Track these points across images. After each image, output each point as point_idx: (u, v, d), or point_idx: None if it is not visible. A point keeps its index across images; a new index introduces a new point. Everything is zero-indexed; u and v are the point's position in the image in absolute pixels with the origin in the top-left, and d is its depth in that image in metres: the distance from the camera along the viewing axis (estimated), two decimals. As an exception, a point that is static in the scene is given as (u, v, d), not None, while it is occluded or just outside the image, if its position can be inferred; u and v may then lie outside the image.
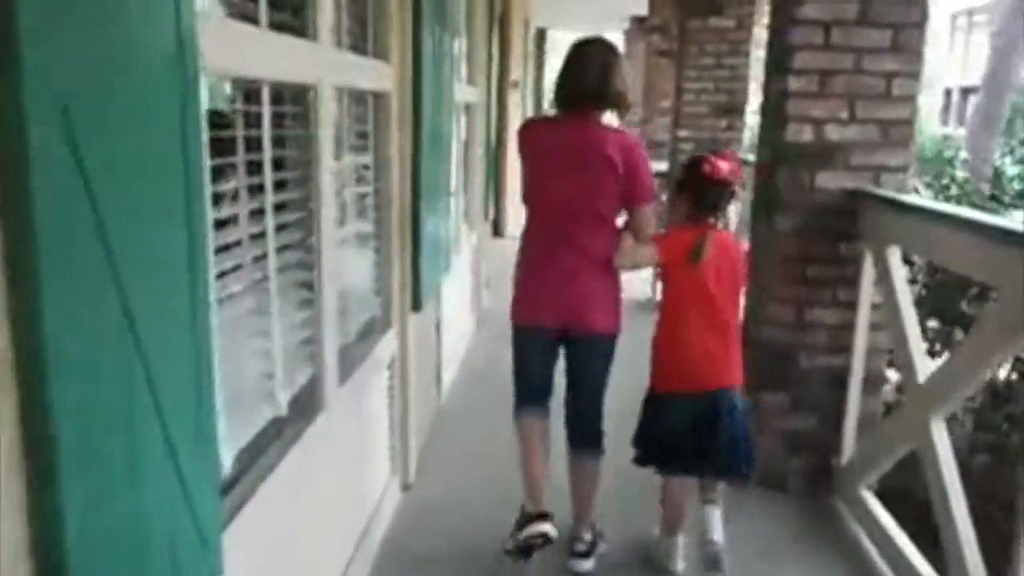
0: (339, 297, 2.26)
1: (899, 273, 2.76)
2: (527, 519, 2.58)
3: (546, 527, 2.54)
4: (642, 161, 2.55)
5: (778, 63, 3.07)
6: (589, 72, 2.53)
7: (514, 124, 9.69)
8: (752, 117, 5.12)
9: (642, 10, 10.13)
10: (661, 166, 8.80)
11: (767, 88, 3.26)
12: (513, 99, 9.51)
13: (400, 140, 2.88)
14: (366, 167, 2.68)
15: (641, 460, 2.64)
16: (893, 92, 2.94)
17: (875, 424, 3.07)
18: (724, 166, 2.50)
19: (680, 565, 2.67)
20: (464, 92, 4.55)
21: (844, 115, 2.96)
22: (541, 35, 13.38)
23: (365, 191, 2.68)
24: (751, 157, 4.02)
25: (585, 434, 2.70)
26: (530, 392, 2.78)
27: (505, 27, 9.17)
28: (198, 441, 1.15)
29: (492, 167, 5.64)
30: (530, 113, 11.67)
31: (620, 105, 2.58)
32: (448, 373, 4.20)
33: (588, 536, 2.72)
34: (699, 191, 2.52)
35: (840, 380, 3.11)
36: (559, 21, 13.16)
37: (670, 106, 8.95)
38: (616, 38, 15.71)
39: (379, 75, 2.69)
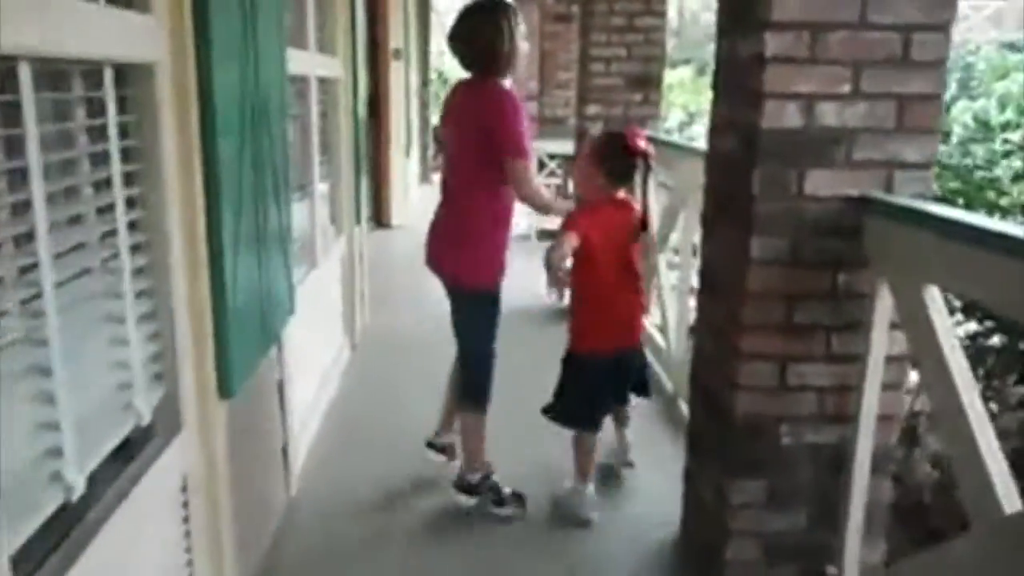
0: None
1: (941, 322, 1.86)
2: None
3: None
4: (504, 113, 2.62)
5: (746, 15, 2.12)
6: (458, 36, 2.72)
7: (397, 100, 8.57)
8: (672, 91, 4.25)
9: (535, -30, 9.13)
10: (562, 147, 7.92)
11: (725, 52, 2.32)
12: (395, 71, 8.39)
13: (180, 138, 1.81)
14: (106, 183, 1.61)
15: (564, 419, 2.88)
16: (912, 55, 2.04)
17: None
18: (642, 142, 2.74)
19: (595, 515, 2.86)
20: (311, 63, 3.46)
21: (845, 88, 2.05)
22: (425, 1, 12.21)
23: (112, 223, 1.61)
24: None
25: (460, 384, 2.98)
26: None
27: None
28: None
29: (363, 153, 4.56)
30: (414, 88, 10.54)
31: (489, 64, 2.67)
32: (303, 443, 3.14)
33: (473, 477, 2.91)
34: (620, 165, 2.74)
35: (836, 461, 2.23)
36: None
37: (571, 79, 8.03)
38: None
39: (129, 34, 1.62)
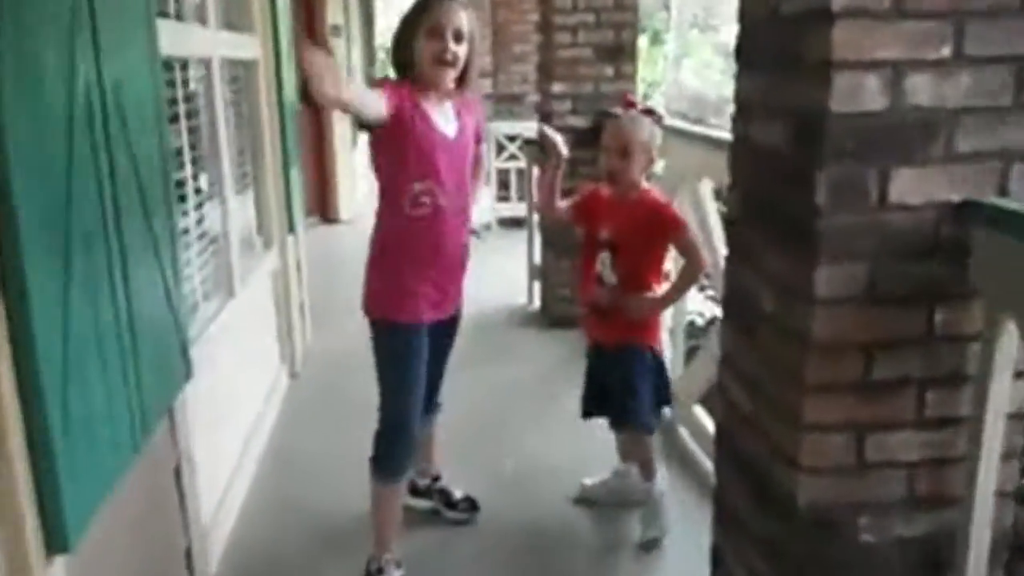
0: None
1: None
2: None
3: None
4: None
5: (796, -50, 1.50)
6: None
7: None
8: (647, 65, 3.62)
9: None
10: (522, 127, 7.26)
11: (760, 8, 1.69)
12: (335, 50, 7.65)
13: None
14: None
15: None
16: (1037, -1, 1.44)
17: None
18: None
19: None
20: (214, 42, 2.77)
21: (944, 52, 1.44)
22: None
23: None
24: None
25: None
26: None
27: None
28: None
29: (294, 147, 3.87)
30: (359, 68, 9.79)
31: (399, 65, 2.34)
32: (218, 535, 2.49)
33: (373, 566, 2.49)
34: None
35: (934, 558, 1.65)
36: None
37: (528, 51, 7.38)
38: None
39: None
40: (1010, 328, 1.47)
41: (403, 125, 2.21)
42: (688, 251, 2.58)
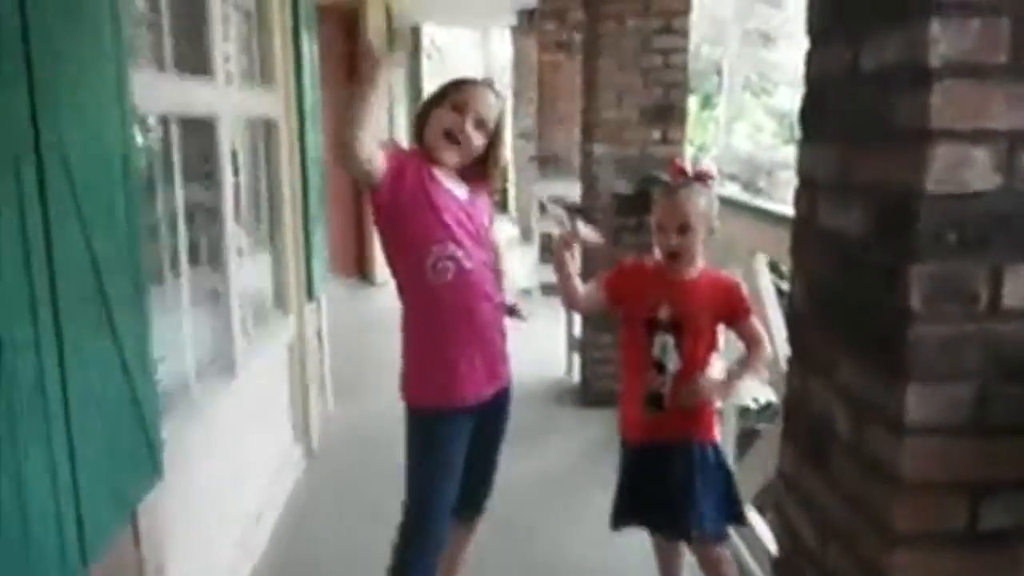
0: None
1: None
2: None
3: None
4: None
5: (880, -6, 1.22)
6: None
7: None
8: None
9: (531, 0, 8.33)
10: (564, 189, 7.02)
11: (831, 64, 1.40)
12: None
13: None
14: None
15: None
16: None
17: None
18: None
19: None
20: (221, 98, 2.55)
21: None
22: (414, 34, 11.42)
23: None
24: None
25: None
26: None
27: (357, 23, 7.24)
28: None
29: (317, 209, 3.66)
30: (403, 130, 9.70)
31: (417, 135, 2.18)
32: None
33: None
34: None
35: None
36: (434, 15, 11.24)
37: (571, 112, 7.18)
38: (504, 36, 13.89)
39: None
40: None
41: (405, 187, 2.01)
42: (756, 338, 2.28)
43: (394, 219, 2.04)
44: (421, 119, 2.14)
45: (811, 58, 1.48)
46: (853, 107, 1.33)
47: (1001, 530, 1.23)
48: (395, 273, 2.13)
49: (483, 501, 2.35)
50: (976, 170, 1.13)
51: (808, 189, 1.51)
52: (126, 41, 1.61)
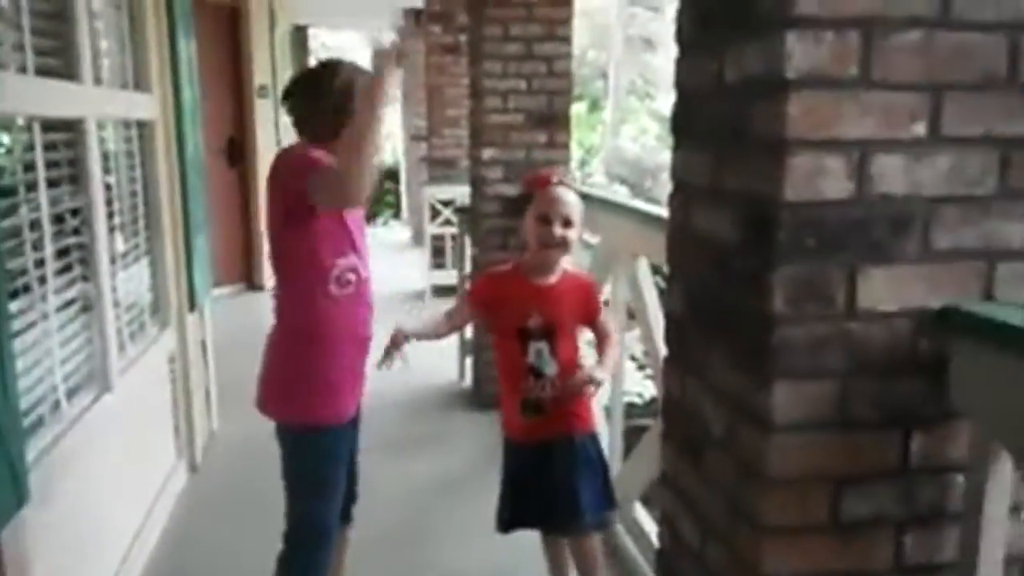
0: None
1: None
2: None
3: None
4: (285, 167, 2.03)
5: (745, 6, 1.27)
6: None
7: (265, 143, 7.51)
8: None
9: (417, 0, 8.30)
10: (455, 192, 7.00)
11: (699, 76, 1.45)
12: (261, 110, 7.37)
13: None
14: None
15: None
16: (1024, 71, 1.21)
17: None
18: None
19: None
20: (87, 100, 2.43)
21: (919, 130, 1.20)
22: (301, 34, 11.21)
23: None
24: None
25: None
26: None
27: (239, 21, 7.05)
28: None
29: (197, 215, 3.54)
30: (290, 128, 9.51)
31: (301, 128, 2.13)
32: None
33: None
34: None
35: None
36: (319, 17, 11.05)
37: (461, 116, 7.18)
38: (391, 38, 13.70)
39: None
40: (1000, 456, 1.22)
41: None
42: (608, 334, 2.40)
43: (307, 229, 1.99)
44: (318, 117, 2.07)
45: (680, 67, 1.53)
46: (719, 116, 1.38)
47: (859, 520, 1.29)
48: (288, 277, 2.08)
49: (352, 508, 2.35)
50: (830, 178, 1.19)
51: (681, 194, 1.56)
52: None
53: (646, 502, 2.94)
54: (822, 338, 1.23)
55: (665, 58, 17.15)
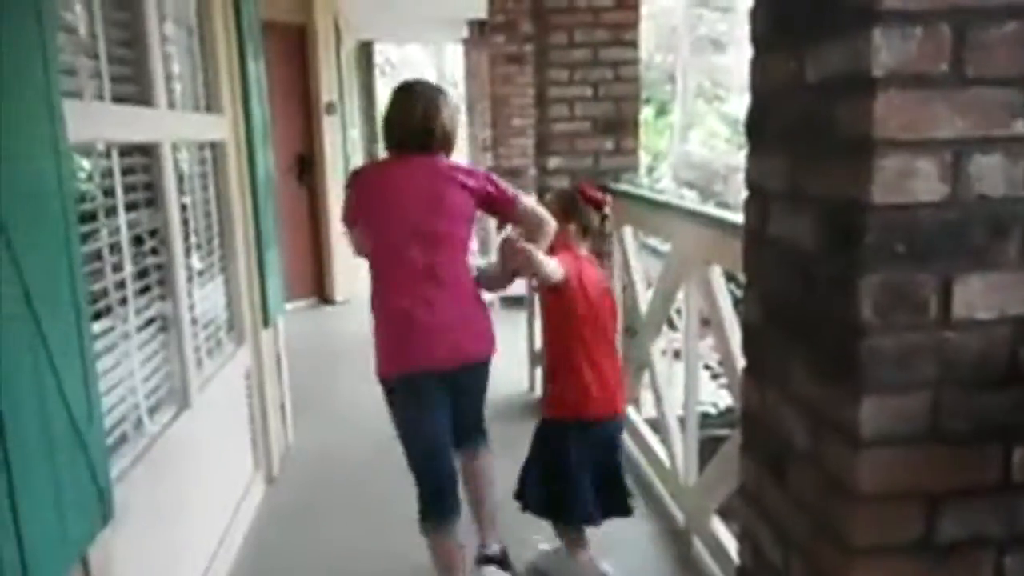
0: None
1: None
2: None
3: None
4: (487, 175, 2.61)
5: (825, 1, 1.22)
6: (414, 113, 2.48)
7: (334, 158, 7.63)
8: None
9: (480, 12, 8.33)
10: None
11: (775, 75, 1.40)
12: (329, 127, 7.49)
13: None
14: None
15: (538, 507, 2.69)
16: None
17: None
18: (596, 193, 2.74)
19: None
20: (163, 125, 2.48)
21: (1020, 127, 1.13)
22: (366, 51, 11.38)
23: None
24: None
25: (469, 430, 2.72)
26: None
27: (306, 40, 7.17)
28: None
29: (268, 232, 3.59)
30: (357, 143, 9.65)
31: (447, 146, 2.54)
32: None
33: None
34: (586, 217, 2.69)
35: None
36: (384, 33, 11.20)
37: (527, 125, 7.19)
38: (457, 51, 13.89)
39: None
40: None
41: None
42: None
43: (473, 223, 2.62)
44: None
45: (756, 67, 1.48)
46: (799, 117, 1.32)
47: (956, 540, 1.22)
48: (460, 258, 2.54)
49: (472, 434, 2.73)
50: (922, 180, 1.13)
51: (758, 199, 1.51)
52: (56, 74, 1.55)
53: (724, 515, 2.86)
54: (913, 348, 1.17)
55: (734, 59, 16.92)
